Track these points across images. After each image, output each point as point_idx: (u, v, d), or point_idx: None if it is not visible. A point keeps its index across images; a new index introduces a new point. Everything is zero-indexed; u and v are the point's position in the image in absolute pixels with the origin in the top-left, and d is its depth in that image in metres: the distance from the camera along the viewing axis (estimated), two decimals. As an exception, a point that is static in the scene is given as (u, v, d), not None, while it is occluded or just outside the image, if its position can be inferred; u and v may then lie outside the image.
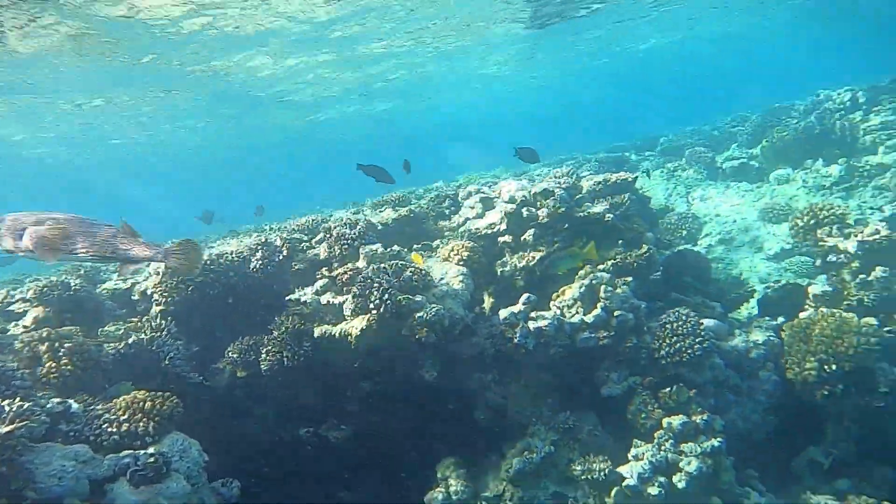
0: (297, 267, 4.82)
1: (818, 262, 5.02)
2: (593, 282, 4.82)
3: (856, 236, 4.72)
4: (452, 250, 5.13)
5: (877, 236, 4.65)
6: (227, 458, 4.03)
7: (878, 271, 4.57)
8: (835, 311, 4.37)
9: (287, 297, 4.52)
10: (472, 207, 6.48)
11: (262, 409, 4.60)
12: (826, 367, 4.21)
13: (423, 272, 4.61)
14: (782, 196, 8.66)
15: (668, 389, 4.27)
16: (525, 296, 4.79)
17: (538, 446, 4.46)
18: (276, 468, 4.55)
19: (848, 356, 4.16)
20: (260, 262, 4.69)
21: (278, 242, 4.83)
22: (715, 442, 3.94)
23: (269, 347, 4.29)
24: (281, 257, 4.77)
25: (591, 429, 4.53)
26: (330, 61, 13.92)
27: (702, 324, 4.38)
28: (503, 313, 4.71)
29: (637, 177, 5.92)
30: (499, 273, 5.50)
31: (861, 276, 4.65)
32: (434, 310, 4.33)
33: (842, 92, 9.13)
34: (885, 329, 4.58)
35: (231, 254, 4.75)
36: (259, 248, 4.72)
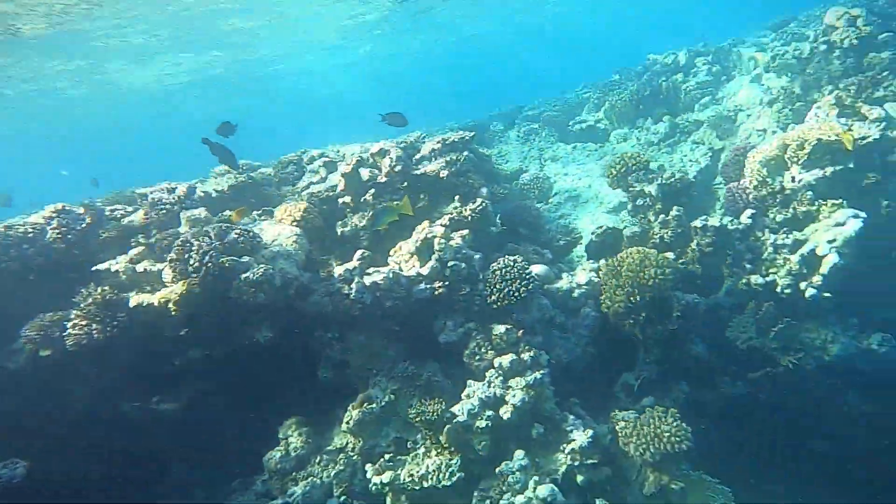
0: (107, 235, 4.60)
1: (630, 206, 5.58)
2: (429, 236, 5.03)
3: (656, 180, 5.30)
4: (285, 211, 5.13)
5: (672, 179, 5.26)
6: (39, 440, 3.82)
7: (675, 211, 5.18)
8: (641, 248, 4.89)
9: (95, 268, 4.31)
10: (317, 172, 6.47)
11: (78, 386, 4.39)
12: (632, 298, 4.71)
13: (252, 234, 4.58)
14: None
15: (499, 332, 4.58)
16: (359, 252, 4.91)
17: (378, 396, 4.64)
18: (101, 446, 4.37)
19: (648, 287, 4.68)
20: (58, 232, 4.41)
21: (80, 210, 4.57)
22: (538, 375, 4.31)
23: (76, 321, 4.08)
24: (83, 225, 4.53)
25: (431, 375, 4.76)
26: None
27: (528, 269, 4.74)
28: (339, 270, 4.80)
29: (474, 135, 6.19)
30: (339, 233, 5.58)
31: (661, 216, 5.24)
32: (262, 270, 4.32)
33: (667, 55, 10.04)
34: (680, 261, 5.21)
35: (25, 225, 4.43)
36: (56, 216, 4.44)
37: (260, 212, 5.79)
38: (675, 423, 4.34)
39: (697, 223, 5.16)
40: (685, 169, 7.91)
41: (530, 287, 4.71)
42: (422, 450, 4.25)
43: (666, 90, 9.25)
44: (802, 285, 5.17)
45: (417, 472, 4.04)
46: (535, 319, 4.74)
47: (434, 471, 4.00)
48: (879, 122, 5.18)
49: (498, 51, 42.04)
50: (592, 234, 5.50)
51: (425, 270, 4.82)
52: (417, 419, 4.29)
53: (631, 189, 5.47)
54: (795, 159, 5.12)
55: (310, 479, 4.45)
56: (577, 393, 4.92)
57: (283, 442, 4.53)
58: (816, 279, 5.15)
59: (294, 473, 4.52)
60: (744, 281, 5.37)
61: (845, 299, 5.64)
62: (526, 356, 4.41)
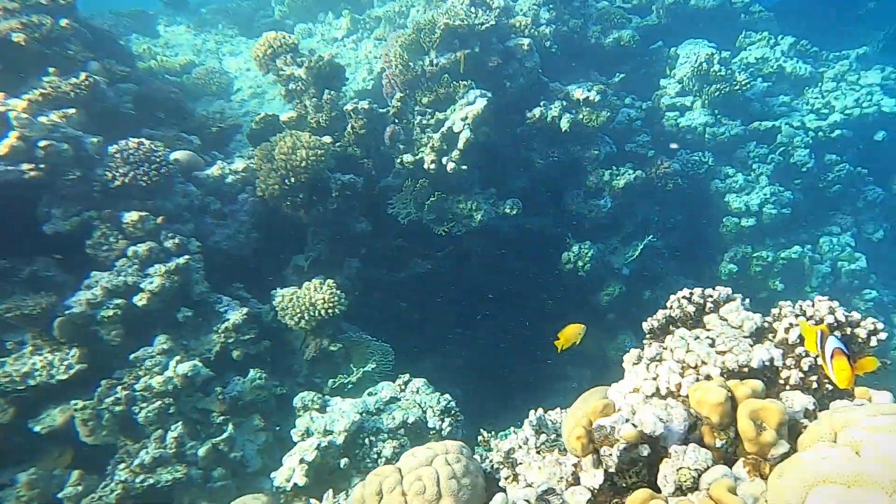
0: None
1: (284, 91, 5.76)
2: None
3: (304, 64, 5.52)
4: None
5: (321, 63, 5.54)
6: None
7: (327, 95, 5.50)
8: (293, 132, 5.11)
9: None
10: None
11: None
12: (287, 181, 4.96)
13: None
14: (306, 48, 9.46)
15: (132, 219, 4.42)
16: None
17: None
18: None
19: (302, 169, 4.97)
20: None
21: None
22: (181, 261, 4.34)
23: None
24: None
25: (37, 270, 4.27)
26: None
27: (160, 152, 4.62)
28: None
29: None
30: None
31: (315, 99, 5.54)
32: None
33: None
34: (337, 144, 5.60)
35: None
36: None
37: None
38: (329, 292, 4.81)
39: (350, 107, 5.55)
40: (372, 67, 8.33)
41: (163, 171, 4.61)
42: (29, 349, 4.02)
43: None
44: (444, 160, 5.97)
45: (20, 370, 3.86)
46: (180, 206, 4.72)
47: (44, 367, 3.86)
48: (499, 9, 6.03)
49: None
50: (252, 121, 5.56)
51: (3, 150, 4.26)
52: (15, 315, 3.93)
53: (281, 73, 5.62)
54: (430, 44, 5.75)
55: None
56: (244, 278, 5.12)
57: None
58: (455, 154, 5.98)
59: None
60: (399, 160, 6.00)
61: (485, 172, 6.69)
62: (170, 243, 4.39)
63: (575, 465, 2.16)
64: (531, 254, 7.36)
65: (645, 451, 2.06)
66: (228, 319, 4.34)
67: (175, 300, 4.30)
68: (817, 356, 2.12)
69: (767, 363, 2.52)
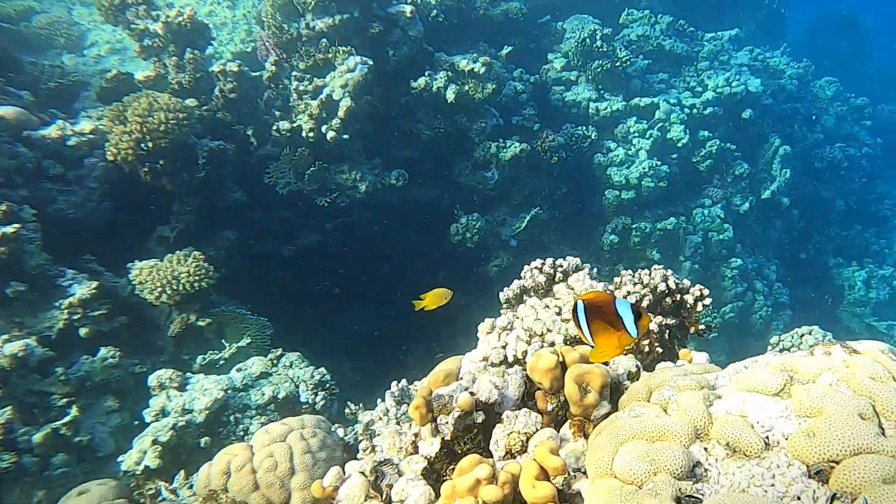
0: None
1: (138, 48, 5.37)
2: None
3: (162, 20, 5.18)
4: None
5: (181, 19, 5.21)
6: None
7: (189, 54, 5.19)
8: (149, 92, 4.79)
9: None
10: None
11: None
12: (143, 145, 4.66)
13: None
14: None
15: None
16: None
17: None
18: None
19: (161, 133, 4.68)
20: None
21: None
22: (9, 230, 3.98)
23: None
24: None
25: None
26: None
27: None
28: None
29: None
30: None
31: (175, 58, 5.22)
32: None
33: None
34: (204, 109, 5.32)
35: None
36: None
37: None
38: (195, 265, 4.59)
39: (217, 68, 5.27)
40: (251, 28, 7.93)
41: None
42: None
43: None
44: (324, 129, 5.83)
45: None
46: (7, 169, 4.30)
47: None
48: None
49: None
50: (102, 79, 5.15)
51: None
52: None
53: (133, 27, 5.23)
54: (306, 6, 5.54)
55: None
56: (98, 250, 4.79)
57: None
58: (336, 123, 5.85)
59: None
60: (275, 128, 5.79)
61: (370, 142, 6.61)
62: (-7, 215, 4.02)
63: (415, 435, 2.20)
64: (421, 226, 7.40)
65: (479, 417, 2.13)
66: (73, 294, 4.04)
67: (3, 274, 3.94)
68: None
69: (607, 329, 2.64)
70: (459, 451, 2.12)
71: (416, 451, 2.15)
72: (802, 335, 3.63)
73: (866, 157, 10.60)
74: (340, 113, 5.75)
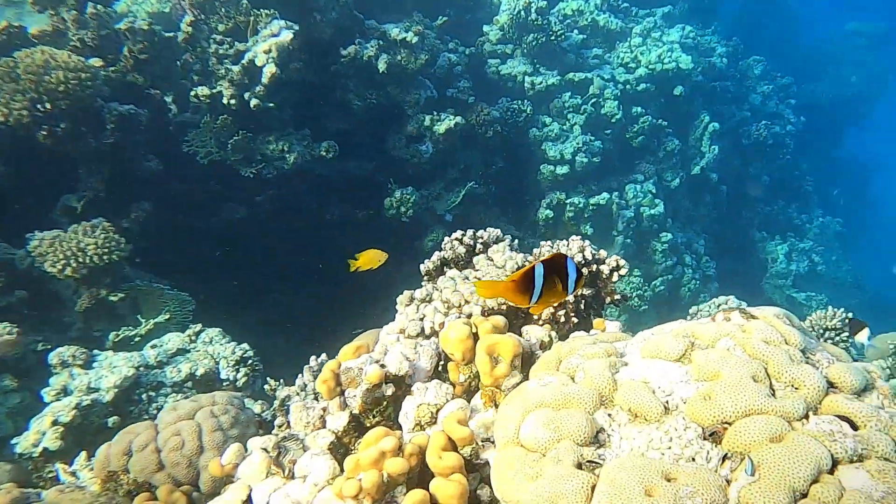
0: None
1: None
2: None
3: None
4: None
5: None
6: None
7: (93, 8, 4.87)
8: (46, 48, 4.47)
9: None
10: None
11: None
12: (40, 106, 4.35)
13: None
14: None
15: None
16: None
17: None
18: None
19: (61, 93, 4.38)
20: None
21: None
22: None
23: None
24: None
25: None
26: None
27: None
28: None
29: None
30: None
31: (75, 12, 4.88)
32: None
33: None
34: (112, 69, 5.02)
35: None
36: None
37: None
38: (104, 237, 4.36)
39: (124, 26, 4.97)
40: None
41: None
42: None
43: None
44: (247, 96, 5.61)
45: None
46: None
47: None
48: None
49: None
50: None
51: None
52: None
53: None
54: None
55: None
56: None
57: None
58: (260, 90, 5.64)
59: None
60: (193, 93, 5.53)
61: (299, 112, 6.42)
62: None
63: (323, 409, 2.15)
64: (355, 199, 7.28)
65: (389, 390, 2.10)
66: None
67: None
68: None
69: (524, 300, 2.65)
70: (368, 425, 2.09)
71: (323, 425, 2.11)
72: (719, 305, 3.76)
73: (790, 134, 11.07)
74: (265, 80, 5.55)
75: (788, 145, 11.03)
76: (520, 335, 2.33)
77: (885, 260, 18.20)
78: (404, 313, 2.74)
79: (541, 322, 2.64)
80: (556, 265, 1.92)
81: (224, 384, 4.09)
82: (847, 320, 3.23)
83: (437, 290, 2.82)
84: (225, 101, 5.50)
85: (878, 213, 17.27)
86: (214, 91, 5.49)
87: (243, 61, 5.47)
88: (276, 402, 2.98)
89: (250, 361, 4.25)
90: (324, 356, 3.24)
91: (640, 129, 8.39)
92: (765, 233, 10.47)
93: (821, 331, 3.27)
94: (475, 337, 2.20)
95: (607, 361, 1.98)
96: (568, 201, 7.97)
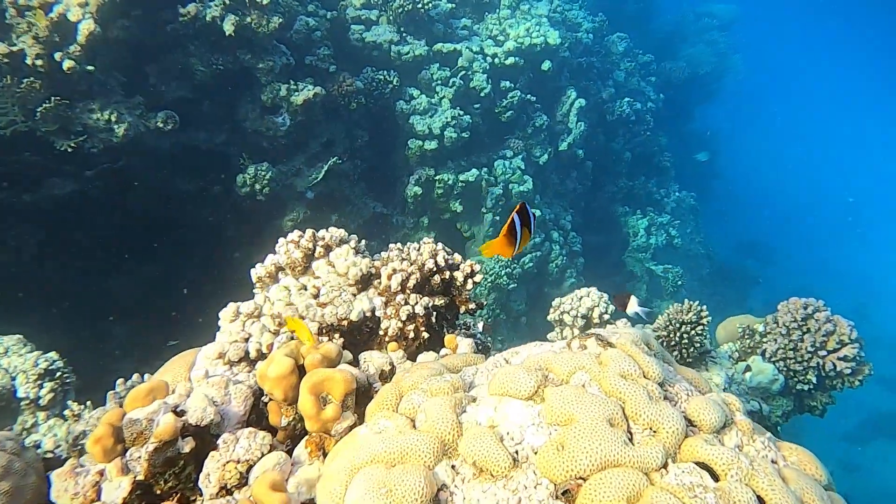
0: None
1: None
2: None
3: None
4: None
5: None
6: None
7: None
8: None
9: None
10: None
11: None
12: None
13: None
14: None
15: None
16: None
17: None
18: None
19: None
20: None
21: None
22: None
23: None
24: None
25: None
26: None
27: None
28: None
29: None
30: None
31: None
32: None
33: None
34: None
35: None
36: None
37: None
38: None
39: None
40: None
41: None
42: None
43: None
44: (59, 56, 4.76)
45: None
46: None
47: None
48: None
49: None
50: None
51: None
52: None
53: None
54: None
55: None
56: None
57: None
58: (76, 50, 4.80)
59: None
60: (-11, 51, 4.60)
61: (130, 76, 5.60)
62: None
63: (99, 474, 1.70)
64: (204, 176, 6.59)
65: (187, 446, 1.69)
66: None
67: None
68: None
69: (368, 314, 2.33)
70: (160, 492, 1.67)
71: (98, 497, 1.66)
72: (581, 297, 3.66)
73: (650, 111, 11.51)
74: (80, 38, 4.72)
75: (649, 122, 11.46)
76: (356, 364, 2.00)
77: (729, 227, 19.87)
78: (227, 331, 2.32)
79: (388, 338, 2.33)
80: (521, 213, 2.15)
81: (23, 404, 3.44)
82: (697, 313, 3.20)
83: (269, 301, 2.41)
84: (29, 61, 4.61)
85: (724, 184, 18.71)
86: (15, 49, 4.59)
87: (52, 15, 4.60)
88: (67, 440, 2.45)
89: (58, 374, 3.60)
90: (135, 377, 2.73)
91: (509, 103, 8.26)
92: (627, 207, 10.87)
93: (677, 324, 3.23)
94: (302, 371, 1.84)
95: (453, 400, 1.70)
96: (437, 178, 7.72)
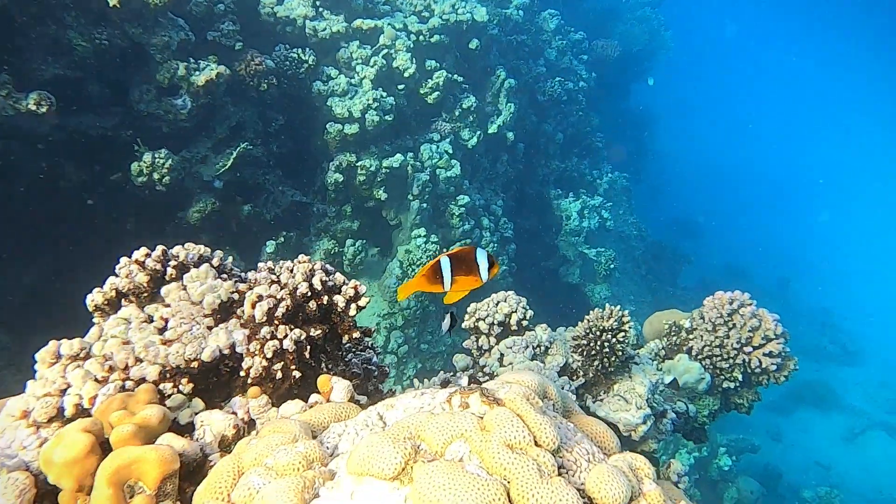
0: None
1: None
2: None
3: None
4: None
5: None
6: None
7: None
8: None
9: None
10: None
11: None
12: None
13: None
14: None
15: None
16: None
17: None
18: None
19: None
20: None
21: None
22: None
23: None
24: None
25: None
26: None
27: None
28: None
29: None
30: None
31: None
32: None
33: None
34: None
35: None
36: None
37: None
38: None
39: None
40: None
41: None
42: None
43: None
44: None
45: None
46: None
47: None
48: None
49: None
50: None
51: None
52: None
53: None
54: None
55: None
56: None
57: None
58: (-85, 22, 4.11)
59: None
60: None
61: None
62: None
63: None
64: (93, 164, 5.93)
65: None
66: None
67: None
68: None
69: (227, 351, 1.92)
70: None
71: None
72: (497, 303, 3.34)
73: (582, 90, 11.31)
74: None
75: (581, 101, 11.28)
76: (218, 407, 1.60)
77: (661, 205, 20.16)
78: (42, 379, 1.87)
79: (251, 381, 1.94)
80: (464, 256, 1.97)
81: None
82: (622, 317, 2.94)
83: (102, 339, 1.97)
84: None
85: (656, 162, 18.89)
86: None
87: None
88: None
89: None
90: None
91: (436, 84, 7.85)
92: (559, 190, 10.69)
93: (598, 332, 2.96)
94: (107, 448, 1.43)
95: (301, 482, 1.33)
96: (359, 164, 7.26)
